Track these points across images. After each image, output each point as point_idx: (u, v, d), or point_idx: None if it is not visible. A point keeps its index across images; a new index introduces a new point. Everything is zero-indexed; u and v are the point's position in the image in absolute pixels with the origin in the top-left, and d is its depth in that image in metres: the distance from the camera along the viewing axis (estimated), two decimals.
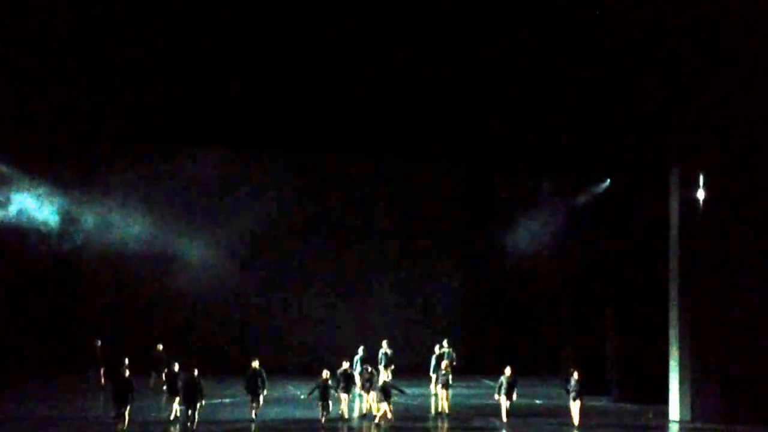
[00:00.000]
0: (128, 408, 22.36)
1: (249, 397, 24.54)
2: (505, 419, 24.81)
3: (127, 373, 23.11)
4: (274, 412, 25.74)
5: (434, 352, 29.17)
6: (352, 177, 35.09)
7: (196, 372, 23.26)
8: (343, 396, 24.98)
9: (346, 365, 25.31)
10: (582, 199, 31.25)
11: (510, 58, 25.25)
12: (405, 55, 24.57)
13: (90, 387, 28.92)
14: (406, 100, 25.58)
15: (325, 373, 24.32)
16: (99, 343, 29.45)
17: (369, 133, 26.83)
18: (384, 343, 29.09)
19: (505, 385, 24.81)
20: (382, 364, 28.60)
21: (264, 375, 24.41)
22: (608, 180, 29.98)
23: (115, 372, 24.83)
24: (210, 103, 24.71)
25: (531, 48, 25.09)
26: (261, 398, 24.44)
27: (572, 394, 24.76)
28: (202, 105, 24.67)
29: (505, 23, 24.77)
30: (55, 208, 31.37)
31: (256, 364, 24.53)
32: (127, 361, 25.22)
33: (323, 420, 24.24)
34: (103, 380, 28.81)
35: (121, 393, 22.39)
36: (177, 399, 23.89)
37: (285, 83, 24.84)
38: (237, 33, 23.38)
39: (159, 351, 28.66)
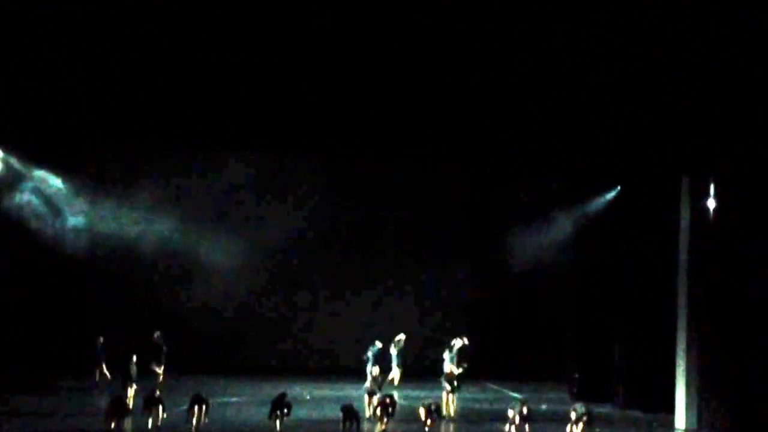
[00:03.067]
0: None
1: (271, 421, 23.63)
2: None
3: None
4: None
5: (443, 358, 29.11)
6: (358, 184, 35.18)
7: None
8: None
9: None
10: (591, 206, 31.23)
11: (520, 62, 25.24)
12: (416, 58, 24.60)
13: (92, 384, 28.89)
14: (416, 108, 25.58)
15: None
16: (101, 340, 29.38)
17: (380, 139, 26.87)
18: (393, 343, 29.02)
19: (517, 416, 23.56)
20: (395, 363, 28.56)
21: (290, 404, 23.69)
22: (618, 187, 29.93)
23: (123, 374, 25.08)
24: (238, 107, 24.78)
25: (541, 53, 25.08)
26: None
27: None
28: (231, 109, 24.73)
29: (516, 28, 24.77)
30: (81, 208, 31.57)
31: (284, 393, 24.08)
32: (135, 358, 25.27)
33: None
34: (108, 376, 28.77)
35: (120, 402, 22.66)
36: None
37: (292, 88, 24.89)
38: (270, 37, 23.47)
39: (156, 338, 28.49)
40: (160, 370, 28.00)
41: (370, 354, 27.69)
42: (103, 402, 24.38)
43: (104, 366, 28.93)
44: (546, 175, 32.64)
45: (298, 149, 31.02)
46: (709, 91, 24.97)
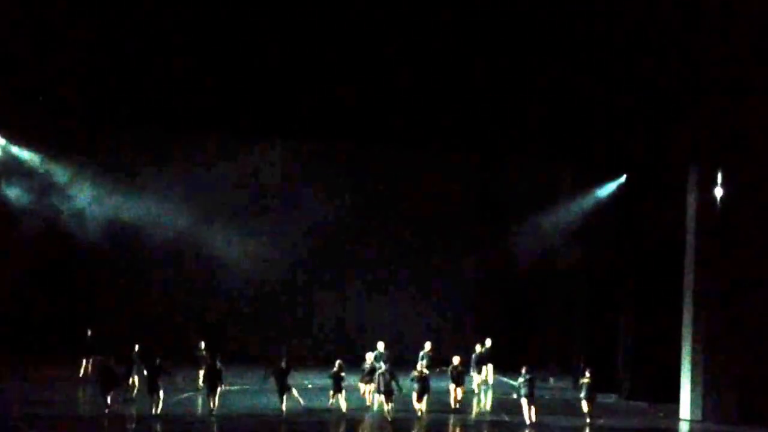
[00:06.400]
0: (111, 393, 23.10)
1: (278, 396, 24.18)
2: (528, 419, 24.23)
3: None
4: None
5: (475, 350, 28.77)
6: (365, 175, 35.01)
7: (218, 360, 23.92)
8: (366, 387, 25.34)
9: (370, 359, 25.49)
10: (597, 195, 31.00)
11: (528, 52, 25.11)
12: (426, 49, 24.56)
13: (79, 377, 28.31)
14: (426, 98, 25.53)
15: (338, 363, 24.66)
16: (89, 332, 28.74)
17: (386, 127, 26.79)
18: (427, 345, 28.57)
19: (523, 384, 24.36)
20: (424, 363, 28.11)
21: (289, 373, 24.14)
22: (624, 176, 29.68)
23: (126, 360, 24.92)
24: (254, 98, 24.77)
25: (549, 42, 24.95)
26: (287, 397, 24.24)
27: (583, 393, 24.60)
28: (249, 99, 24.74)
29: (523, 17, 24.65)
30: (103, 199, 31.50)
31: (283, 364, 24.30)
32: (137, 347, 25.08)
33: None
34: (90, 369, 28.03)
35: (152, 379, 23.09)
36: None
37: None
38: (288, 28, 23.55)
39: (201, 349, 27.21)
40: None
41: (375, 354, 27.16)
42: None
43: (90, 359, 28.04)
44: (554, 164, 32.45)
45: (311, 139, 31.03)
46: (717, 81, 24.81)
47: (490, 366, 29.04)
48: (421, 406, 24.61)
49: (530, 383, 24.28)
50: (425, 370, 25.20)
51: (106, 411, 23.08)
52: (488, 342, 29.00)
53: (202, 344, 27.14)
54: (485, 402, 27.74)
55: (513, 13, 24.50)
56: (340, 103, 25.48)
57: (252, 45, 23.92)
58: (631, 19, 24.67)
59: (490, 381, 29.19)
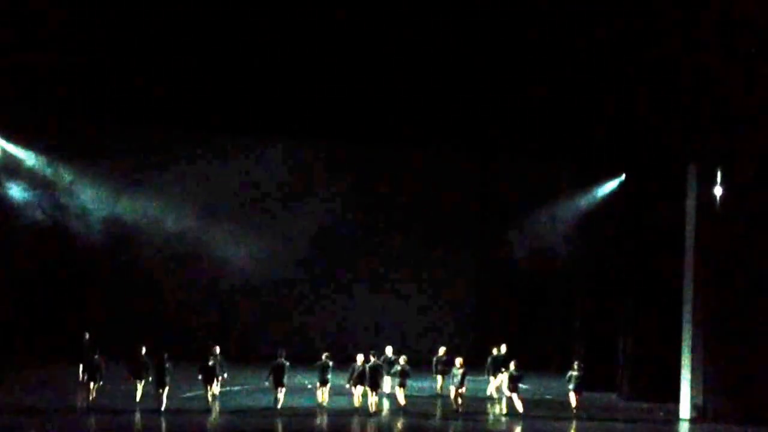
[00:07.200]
0: (96, 386, 23.92)
1: (274, 389, 24.69)
2: (512, 410, 24.83)
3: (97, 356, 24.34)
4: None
5: (492, 353, 28.13)
6: (366, 175, 35.02)
7: (213, 359, 24.30)
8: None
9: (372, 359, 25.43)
10: (597, 194, 31.01)
11: (527, 51, 25.08)
12: (425, 47, 24.53)
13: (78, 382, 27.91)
14: (424, 94, 25.49)
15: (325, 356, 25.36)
16: (87, 336, 28.50)
17: (386, 127, 26.77)
18: (441, 350, 28.42)
19: (507, 378, 24.96)
20: (436, 370, 28.03)
21: (286, 367, 24.63)
22: (624, 174, 29.71)
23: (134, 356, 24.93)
24: (257, 97, 24.80)
25: (549, 41, 24.91)
26: (283, 390, 24.72)
27: (571, 385, 24.97)
28: (254, 97, 24.74)
29: (523, 16, 24.63)
30: (104, 199, 31.48)
31: (282, 358, 24.63)
32: (144, 350, 25.01)
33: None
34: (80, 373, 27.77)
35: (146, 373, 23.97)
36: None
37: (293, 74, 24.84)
38: (295, 27, 23.55)
39: (216, 355, 26.37)
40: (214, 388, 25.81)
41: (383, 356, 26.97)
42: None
43: (84, 363, 26.56)
44: (554, 163, 32.45)
45: (312, 139, 31.03)
46: (717, 79, 24.77)
47: (506, 374, 27.87)
48: (400, 397, 25.17)
49: (516, 379, 24.97)
50: (407, 365, 25.52)
51: (86, 404, 23.65)
52: (504, 347, 28.14)
53: (217, 349, 26.18)
54: (498, 407, 27.08)
55: (513, 12, 24.48)
56: (341, 103, 25.45)
57: (253, 45, 23.91)
58: (631, 18, 24.65)
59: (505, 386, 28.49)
